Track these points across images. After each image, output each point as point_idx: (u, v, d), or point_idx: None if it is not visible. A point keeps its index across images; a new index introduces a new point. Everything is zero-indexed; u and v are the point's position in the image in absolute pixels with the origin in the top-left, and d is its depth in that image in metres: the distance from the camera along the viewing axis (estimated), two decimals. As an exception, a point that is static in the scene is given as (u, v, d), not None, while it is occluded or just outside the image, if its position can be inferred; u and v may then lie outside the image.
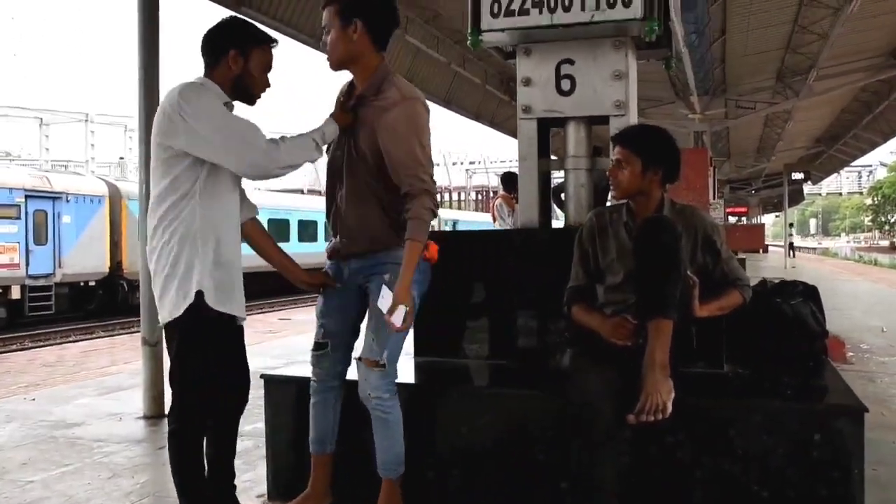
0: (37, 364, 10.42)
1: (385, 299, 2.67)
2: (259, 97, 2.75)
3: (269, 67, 2.72)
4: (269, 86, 2.75)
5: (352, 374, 2.93)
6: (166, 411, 4.94)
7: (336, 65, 2.80)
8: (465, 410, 3.03)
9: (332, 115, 2.81)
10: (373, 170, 2.74)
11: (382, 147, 2.70)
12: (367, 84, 2.77)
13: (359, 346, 2.93)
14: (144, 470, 3.89)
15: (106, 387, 6.35)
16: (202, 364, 2.63)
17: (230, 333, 2.69)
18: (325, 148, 2.78)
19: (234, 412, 2.80)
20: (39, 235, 17.42)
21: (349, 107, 2.82)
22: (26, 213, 17.09)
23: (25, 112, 31.88)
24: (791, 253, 35.55)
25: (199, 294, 2.53)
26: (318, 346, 2.97)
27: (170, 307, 2.57)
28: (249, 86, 2.69)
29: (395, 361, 2.80)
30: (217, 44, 2.66)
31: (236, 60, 2.64)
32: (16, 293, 16.91)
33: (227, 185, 2.63)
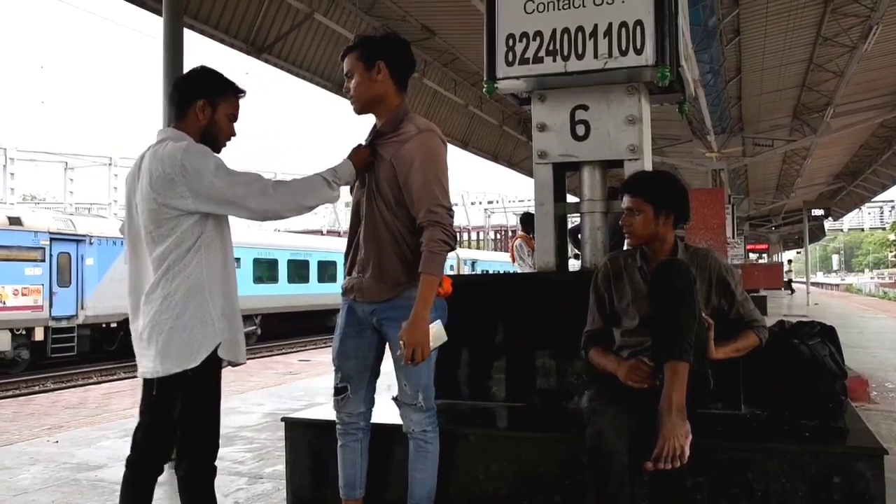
0: (60, 406, 10.50)
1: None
2: (224, 146, 2.78)
3: (235, 117, 2.76)
4: (234, 134, 2.78)
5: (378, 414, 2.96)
6: (187, 454, 5.01)
7: (362, 107, 2.86)
8: (482, 454, 3.04)
9: (348, 156, 2.84)
10: (391, 207, 2.78)
11: (400, 180, 2.73)
12: (385, 121, 2.84)
13: (382, 385, 2.98)
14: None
15: (128, 429, 6.37)
16: (212, 407, 2.66)
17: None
18: (339, 188, 2.79)
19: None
20: (63, 277, 17.63)
21: (367, 144, 2.88)
22: (51, 255, 17.32)
23: (51, 157, 32.48)
24: (790, 290, 35.49)
25: (216, 346, 2.58)
26: (338, 391, 2.96)
27: (182, 356, 2.54)
28: (216, 135, 2.71)
29: (431, 396, 2.84)
30: (185, 94, 2.70)
31: (204, 110, 2.67)
32: (39, 335, 17.07)
33: (227, 235, 2.69)
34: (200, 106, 2.66)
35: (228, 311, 2.64)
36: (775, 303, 21.05)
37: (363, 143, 2.94)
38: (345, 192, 2.95)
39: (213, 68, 2.82)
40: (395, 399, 2.88)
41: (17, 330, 16.59)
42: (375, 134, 2.87)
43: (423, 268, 2.67)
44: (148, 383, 2.64)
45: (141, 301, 2.61)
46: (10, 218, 16.90)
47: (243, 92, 2.77)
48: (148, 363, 2.59)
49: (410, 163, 2.71)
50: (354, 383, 2.93)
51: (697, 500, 2.69)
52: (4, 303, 16.21)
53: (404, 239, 2.78)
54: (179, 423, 2.64)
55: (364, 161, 2.83)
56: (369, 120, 2.95)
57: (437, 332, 2.71)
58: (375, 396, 3.02)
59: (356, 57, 2.81)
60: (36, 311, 16.86)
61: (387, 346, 2.90)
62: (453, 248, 2.77)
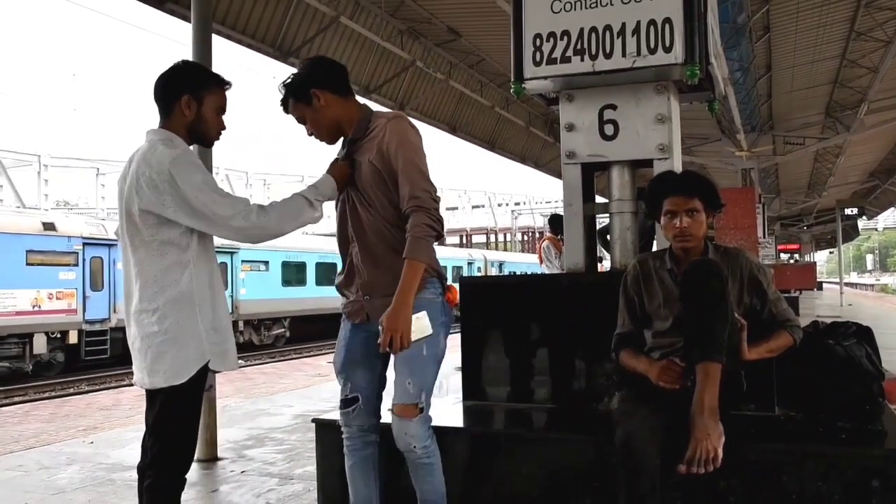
0: (94, 408, 10.64)
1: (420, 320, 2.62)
2: (216, 139, 2.73)
3: (223, 110, 2.69)
4: (224, 128, 2.72)
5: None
6: (219, 454, 5.07)
7: (331, 137, 2.84)
8: (512, 455, 3.04)
9: (327, 171, 2.78)
10: (382, 213, 2.71)
11: (385, 173, 2.68)
12: (354, 128, 2.78)
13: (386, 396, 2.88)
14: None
15: (160, 430, 6.45)
16: (191, 419, 2.60)
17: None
18: (322, 206, 2.70)
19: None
20: (96, 281, 17.89)
21: (343, 157, 2.82)
22: (84, 259, 17.58)
23: (83, 163, 32.91)
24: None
25: (205, 363, 2.53)
26: (347, 403, 2.84)
27: (169, 372, 2.48)
28: (205, 130, 2.65)
29: (430, 402, 2.73)
30: (169, 90, 2.62)
31: (189, 105, 2.60)
32: (73, 338, 17.34)
33: (210, 247, 2.64)
34: (185, 101, 2.59)
35: (217, 324, 2.59)
36: (808, 303, 20.76)
37: (338, 157, 2.87)
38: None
39: (195, 62, 2.76)
40: (390, 410, 2.73)
41: (52, 333, 16.87)
42: (349, 143, 2.80)
43: (407, 253, 2.58)
44: (147, 391, 2.60)
45: (132, 310, 2.56)
46: (44, 223, 17.19)
47: (229, 84, 2.71)
48: (138, 373, 2.57)
49: (387, 153, 2.66)
50: (365, 394, 2.83)
51: (730, 503, 2.66)
52: (40, 306, 16.49)
53: (402, 243, 2.65)
54: (153, 431, 2.56)
55: (344, 175, 2.76)
56: None
57: (421, 324, 2.62)
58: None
59: (292, 102, 2.80)
60: (70, 314, 17.13)
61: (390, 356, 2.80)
62: (440, 234, 2.69)
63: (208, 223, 2.50)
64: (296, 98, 2.79)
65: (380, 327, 2.58)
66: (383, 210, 2.72)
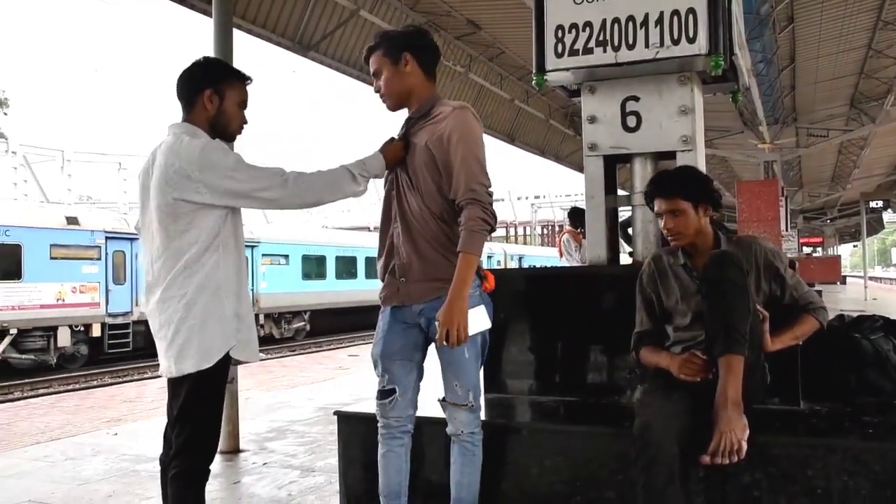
0: (118, 400, 10.75)
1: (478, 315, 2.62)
2: (238, 133, 2.76)
3: (244, 104, 2.72)
4: (246, 122, 2.75)
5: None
6: (241, 447, 5.10)
7: (395, 102, 2.83)
8: (535, 448, 3.03)
9: (380, 149, 2.79)
10: (429, 198, 2.70)
11: (440, 161, 2.67)
12: (416, 108, 2.80)
13: (425, 386, 2.90)
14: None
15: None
16: (215, 408, 2.62)
17: None
18: (366, 182, 2.72)
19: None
20: (118, 275, 18.06)
21: (399, 137, 2.83)
22: (106, 253, 17.76)
23: (105, 157, 33.28)
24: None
25: (230, 347, 2.56)
26: (384, 394, 2.82)
27: (197, 356, 2.51)
28: (226, 124, 2.68)
29: (480, 396, 2.78)
30: (191, 85, 2.66)
31: (211, 99, 2.64)
32: (96, 331, 17.54)
33: (240, 234, 2.66)
34: (208, 96, 2.63)
35: (241, 311, 2.62)
36: (831, 297, 20.54)
37: (395, 136, 2.87)
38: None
39: (216, 57, 2.78)
40: (441, 401, 2.77)
41: (76, 326, 17.07)
42: (407, 122, 2.83)
43: (462, 247, 2.57)
44: (170, 380, 2.62)
45: (155, 299, 2.57)
46: (67, 218, 17.38)
47: (250, 79, 2.74)
48: (165, 362, 2.57)
49: (448, 141, 2.65)
50: (403, 386, 2.81)
51: (755, 497, 2.64)
52: (64, 300, 16.69)
53: (445, 233, 2.69)
54: (178, 420, 2.56)
55: (396, 155, 2.77)
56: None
57: (479, 317, 2.62)
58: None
59: (381, 54, 2.78)
60: (93, 307, 17.33)
61: (432, 345, 2.79)
62: (493, 229, 2.69)
63: (248, 199, 2.55)
64: (385, 51, 2.78)
65: (436, 322, 2.60)
66: (429, 196, 2.71)
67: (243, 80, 2.72)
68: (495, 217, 2.69)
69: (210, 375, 2.53)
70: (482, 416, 2.82)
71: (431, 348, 2.82)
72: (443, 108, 2.75)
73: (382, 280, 2.86)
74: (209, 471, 2.61)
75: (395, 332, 2.81)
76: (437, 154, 2.67)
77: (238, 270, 2.63)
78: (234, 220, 2.63)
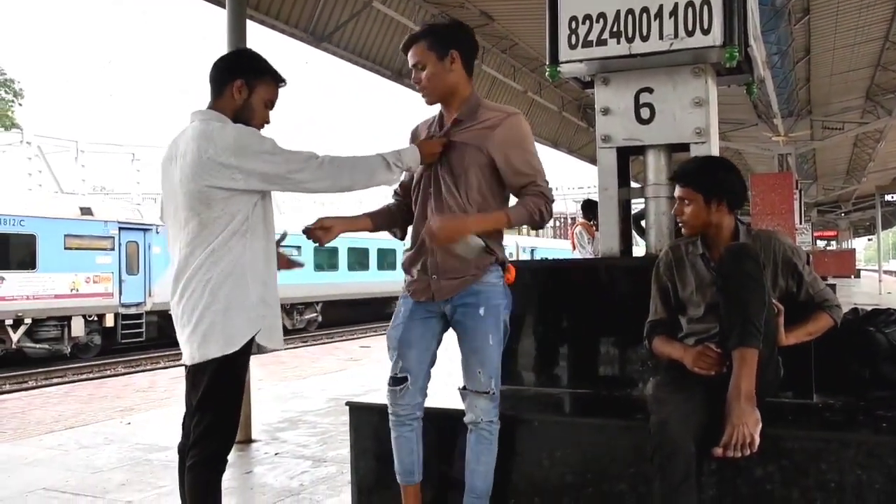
0: (131, 389, 10.83)
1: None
2: (260, 129, 2.71)
3: (271, 104, 2.72)
4: (268, 121, 2.74)
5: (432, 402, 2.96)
6: (253, 437, 5.13)
7: (437, 98, 2.83)
8: (546, 440, 3.03)
9: (417, 143, 2.79)
10: (473, 199, 2.73)
11: (500, 162, 2.72)
12: (463, 110, 2.80)
13: (437, 374, 2.94)
14: (233, 493, 4.01)
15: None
16: (236, 395, 2.62)
17: None
18: (400, 172, 2.72)
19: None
20: (132, 265, 18.17)
21: (441, 134, 2.82)
22: (120, 244, 17.86)
23: (119, 148, 33.39)
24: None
25: (255, 332, 2.56)
26: (396, 381, 2.86)
27: (221, 341, 2.51)
28: (249, 118, 2.65)
29: (499, 384, 2.80)
30: (224, 73, 2.66)
31: (241, 91, 2.63)
32: (110, 321, 17.66)
33: (270, 219, 2.66)
34: (238, 86, 2.63)
35: (268, 297, 2.62)
36: (845, 291, 20.43)
37: (434, 133, 2.87)
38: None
39: (257, 52, 2.78)
40: (461, 389, 2.80)
41: (90, 316, 17.19)
42: (453, 123, 2.80)
43: (506, 209, 2.75)
44: (189, 369, 2.62)
45: (181, 286, 2.56)
46: (81, 208, 17.49)
47: (284, 81, 2.73)
48: (188, 349, 2.56)
49: (511, 145, 2.72)
50: (415, 374, 2.84)
51: (767, 490, 2.62)
52: (78, 290, 16.81)
53: (475, 187, 2.74)
54: (198, 408, 2.56)
55: (433, 150, 2.76)
56: (426, 108, 2.93)
57: (475, 241, 2.63)
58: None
59: (426, 46, 2.74)
60: (106, 297, 17.45)
61: (445, 333, 2.88)
62: (544, 221, 2.78)
63: (283, 181, 2.55)
64: (431, 45, 2.74)
65: (461, 308, 2.73)
66: (472, 198, 2.75)
67: (277, 80, 2.72)
68: (551, 214, 2.82)
69: (233, 361, 2.53)
70: (496, 406, 2.83)
71: (449, 338, 2.87)
72: (492, 112, 2.79)
73: (407, 272, 2.89)
74: (227, 460, 2.61)
75: (416, 320, 2.84)
76: (496, 156, 2.72)
77: (266, 256, 2.63)
78: (265, 205, 2.63)
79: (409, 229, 2.99)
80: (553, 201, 2.80)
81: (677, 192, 2.78)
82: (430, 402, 2.95)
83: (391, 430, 2.92)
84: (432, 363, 2.91)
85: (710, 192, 2.72)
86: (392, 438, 2.93)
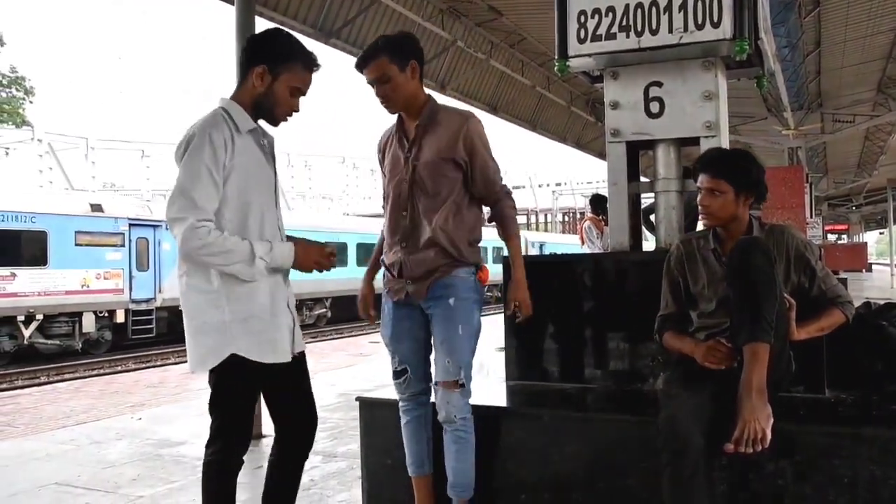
0: (141, 385, 10.87)
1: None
2: (282, 121, 2.59)
3: (300, 91, 2.53)
4: (295, 110, 2.57)
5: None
6: (263, 432, 5.13)
7: (401, 108, 2.90)
8: (556, 435, 3.02)
9: (294, 246, 2.54)
10: (438, 199, 2.84)
11: (474, 175, 2.87)
12: (423, 115, 2.88)
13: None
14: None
15: (206, 408, 6.58)
16: (242, 396, 2.60)
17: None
18: (262, 269, 2.44)
19: None
20: (141, 262, 18.22)
21: (407, 150, 2.88)
22: (130, 240, 17.91)
23: (128, 144, 33.54)
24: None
25: (227, 354, 2.43)
26: (398, 374, 3.02)
27: (193, 362, 2.50)
28: (271, 107, 2.51)
29: (470, 376, 2.88)
30: (248, 56, 2.50)
31: (262, 77, 2.47)
32: (120, 317, 17.72)
33: (260, 234, 2.49)
34: (259, 72, 2.48)
35: (256, 312, 2.45)
36: (857, 285, 20.33)
37: (390, 141, 2.98)
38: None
39: (289, 33, 2.59)
40: (434, 385, 2.90)
41: (100, 312, 17.26)
42: (416, 129, 2.88)
43: (511, 231, 2.97)
44: None
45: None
46: (92, 205, 17.55)
47: (317, 65, 2.56)
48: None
49: (474, 148, 2.85)
50: (413, 364, 2.99)
51: (779, 486, 2.62)
52: (88, 286, 16.88)
53: (447, 236, 2.84)
54: (209, 410, 2.56)
55: (310, 263, 2.55)
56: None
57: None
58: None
59: (388, 60, 2.80)
60: (117, 293, 17.51)
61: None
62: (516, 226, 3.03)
63: (168, 204, 2.38)
64: (392, 57, 2.80)
65: (514, 304, 2.94)
66: (440, 201, 2.85)
67: (308, 65, 2.53)
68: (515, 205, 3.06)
69: (227, 373, 2.46)
70: (502, 401, 2.84)
71: None
72: (450, 115, 2.89)
73: (387, 271, 3.00)
74: (241, 461, 2.59)
75: (401, 315, 2.99)
76: (459, 159, 2.83)
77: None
78: (248, 220, 2.46)
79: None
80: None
81: (706, 182, 2.72)
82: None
83: (402, 416, 3.03)
84: (428, 351, 3.01)
85: (743, 186, 2.70)
86: (403, 426, 3.03)
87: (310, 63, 2.54)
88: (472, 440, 2.89)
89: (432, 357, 2.96)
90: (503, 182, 2.97)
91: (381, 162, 3.06)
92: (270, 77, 2.49)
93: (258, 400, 2.71)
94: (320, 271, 2.62)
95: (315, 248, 2.58)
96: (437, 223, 2.83)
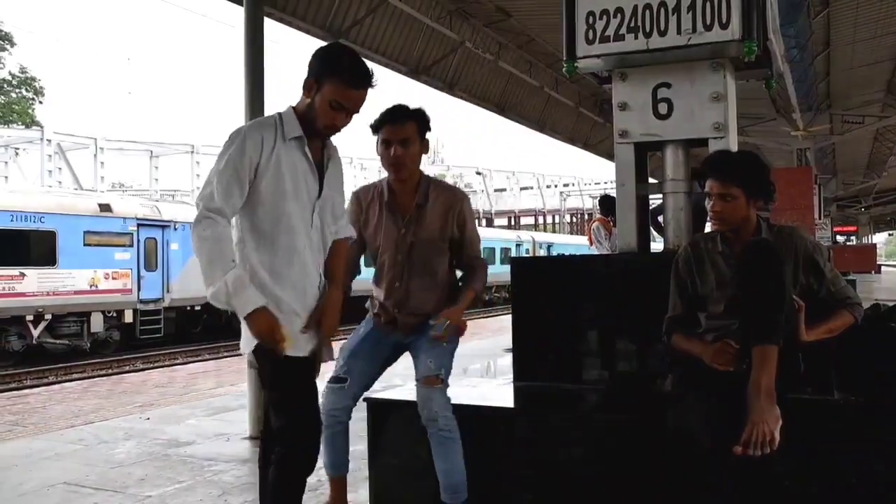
0: (150, 385, 10.91)
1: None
2: (326, 133, 2.60)
3: (339, 105, 2.50)
4: (333, 123, 2.54)
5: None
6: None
7: (408, 175, 3.08)
8: (563, 436, 3.02)
9: (254, 310, 2.42)
10: (440, 254, 3.14)
11: (457, 232, 3.14)
12: (419, 193, 3.11)
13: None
14: (251, 489, 4.02)
15: (214, 408, 6.61)
16: (293, 390, 2.62)
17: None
18: (222, 298, 2.41)
19: None
20: (150, 262, 18.27)
21: (403, 224, 3.12)
22: (138, 240, 17.97)
23: (137, 145, 33.56)
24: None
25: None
26: (337, 380, 3.11)
27: (243, 340, 2.58)
28: (313, 120, 2.55)
29: (449, 377, 2.98)
30: (308, 68, 2.56)
31: (311, 89, 2.54)
32: (128, 317, 17.77)
33: (280, 233, 2.53)
34: (309, 84, 2.54)
35: (280, 306, 2.50)
36: (866, 286, 20.22)
37: (393, 220, 3.16)
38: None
39: (344, 48, 2.60)
40: (416, 383, 3.00)
41: (109, 312, 17.32)
42: (414, 208, 3.11)
43: (475, 283, 3.16)
44: None
45: None
46: (100, 205, 17.61)
47: (358, 83, 2.51)
48: None
49: (465, 225, 3.16)
50: (353, 379, 3.10)
51: (786, 487, 2.61)
52: (97, 286, 16.94)
53: (436, 282, 3.15)
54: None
55: (260, 329, 2.44)
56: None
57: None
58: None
59: (415, 128, 3.02)
60: (125, 294, 17.56)
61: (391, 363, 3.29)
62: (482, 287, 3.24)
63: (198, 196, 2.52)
64: (418, 127, 3.03)
65: (443, 321, 2.97)
66: (443, 252, 3.16)
67: (352, 82, 2.50)
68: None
69: (262, 362, 2.55)
70: (510, 402, 2.84)
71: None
72: (441, 192, 3.16)
73: (379, 301, 3.23)
74: (307, 461, 2.56)
75: (370, 340, 3.21)
76: (454, 227, 3.13)
77: (272, 267, 2.52)
78: (273, 211, 2.51)
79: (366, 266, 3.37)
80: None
81: (717, 187, 2.69)
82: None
83: (327, 428, 3.01)
84: (370, 383, 3.20)
85: (753, 189, 2.69)
86: (323, 437, 2.90)
87: (353, 80, 2.51)
88: (457, 439, 2.92)
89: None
90: (480, 254, 3.29)
91: (359, 216, 3.21)
92: (316, 89, 2.53)
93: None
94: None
95: (276, 330, 2.45)
96: (431, 303, 3.10)
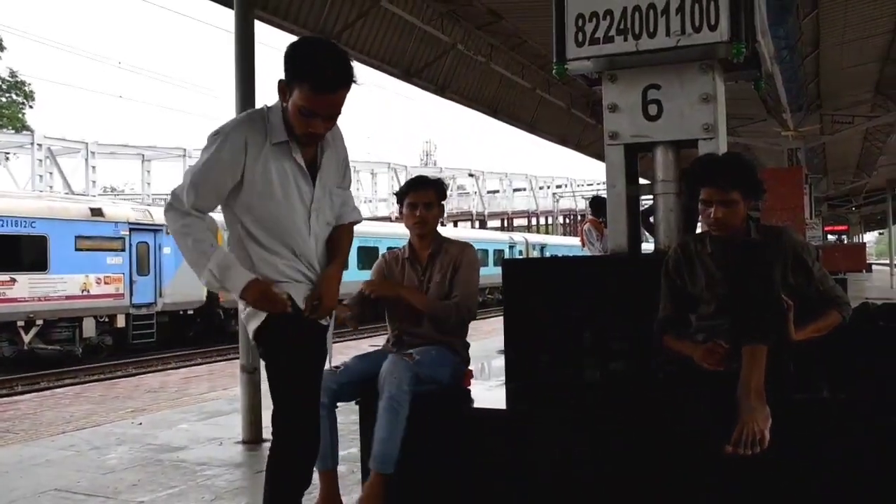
0: (142, 390, 10.87)
1: None
2: (304, 140, 2.46)
3: (307, 111, 2.34)
4: (306, 129, 2.40)
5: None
6: (264, 436, 5.13)
7: (426, 233, 3.55)
8: (556, 438, 3.03)
9: (250, 281, 2.44)
10: (447, 295, 3.50)
11: (458, 278, 3.49)
12: (433, 246, 3.58)
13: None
14: (244, 493, 4.03)
15: (206, 412, 6.59)
16: (289, 376, 2.60)
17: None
18: (213, 280, 2.43)
19: None
20: (142, 266, 18.20)
21: (422, 275, 3.57)
22: (130, 245, 17.90)
23: (129, 150, 33.48)
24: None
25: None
26: (336, 368, 3.27)
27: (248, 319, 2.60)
28: (289, 121, 2.41)
29: (421, 372, 3.11)
30: (284, 68, 2.38)
31: (283, 92, 2.39)
32: (121, 322, 17.70)
33: (278, 237, 2.50)
34: (281, 87, 2.39)
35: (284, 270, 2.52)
36: (856, 285, 20.31)
37: (412, 274, 3.60)
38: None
39: (311, 46, 2.42)
40: (388, 356, 3.23)
41: (101, 317, 17.24)
42: (428, 257, 3.56)
43: (437, 309, 3.45)
44: None
45: None
46: (92, 209, 17.53)
47: (330, 88, 2.32)
48: None
49: (469, 272, 3.52)
50: (346, 370, 3.31)
51: (778, 487, 2.61)
52: (89, 291, 16.86)
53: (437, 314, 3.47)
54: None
55: (256, 298, 2.47)
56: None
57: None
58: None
59: (435, 195, 3.54)
60: (117, 298, 17.49)
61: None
62: (456, 328, 3.51)
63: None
64: (437, 194, 3.56)
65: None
66: (449, 295, 3.52)
67: (316, 87, 2.30)
68: (460, 324, 3.58)
69: (263, 344, 2.55)
70: (502, 404, 2.84)
71: None
72: (453, 245, 3.59)
73: (392, 335, 3.62)
74: (302, 462, 2.54)
75: (376, 353, 3.47)
76: (458, 274, 3.51)
77: (268, 266, 2.50)
78: (263, 213, 2.47)
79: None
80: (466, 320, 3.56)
81: (718, 194, 2.65)
82: (424, 401, 3.05)
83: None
84: (362, 377, 3.30)
85: (750, 192, 2.70)
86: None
87: (322, 84, 2.30)
88: (402, 415, 3.01)
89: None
90: (472, 305, 3.55)
91: (384, 270, 3.67)
92: (288, 93, 2.39)
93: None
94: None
95: (269, 292, 2.46)
96: (437, 333, 3.45)
